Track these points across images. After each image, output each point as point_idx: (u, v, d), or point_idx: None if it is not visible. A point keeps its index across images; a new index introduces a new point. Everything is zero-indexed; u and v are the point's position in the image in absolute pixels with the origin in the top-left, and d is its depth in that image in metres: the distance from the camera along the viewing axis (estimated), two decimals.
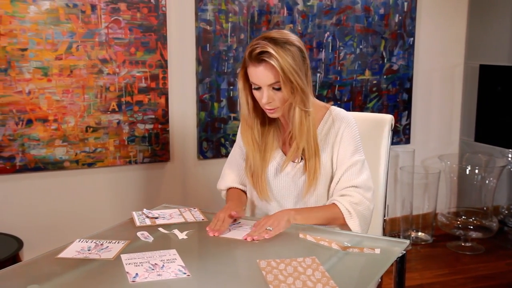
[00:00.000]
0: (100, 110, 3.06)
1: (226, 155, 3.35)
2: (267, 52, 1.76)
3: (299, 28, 3.40)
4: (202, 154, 3.31)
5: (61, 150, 3.01)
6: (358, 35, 3.58)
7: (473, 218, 3.70)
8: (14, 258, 2.62)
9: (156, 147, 3.21)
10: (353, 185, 1.86)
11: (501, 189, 3.84)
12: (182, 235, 1.68)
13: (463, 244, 3.66)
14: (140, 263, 1.47)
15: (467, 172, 3.72)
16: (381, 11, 3.62)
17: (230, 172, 2.13)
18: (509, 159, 3.81)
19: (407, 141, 3.88)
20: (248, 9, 3.28)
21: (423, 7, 3.78)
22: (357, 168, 1.88)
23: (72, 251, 1.57)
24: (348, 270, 1.49)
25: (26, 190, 2.99)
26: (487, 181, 3.67)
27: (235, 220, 1.83)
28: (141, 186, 3.24)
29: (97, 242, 1.63)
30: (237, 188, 2.11)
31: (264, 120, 1.94)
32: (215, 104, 3.29)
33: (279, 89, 1.80)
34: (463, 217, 3.73)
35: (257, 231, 1.72)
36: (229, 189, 2.13)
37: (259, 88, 1.82)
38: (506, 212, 3.85)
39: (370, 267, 1.49)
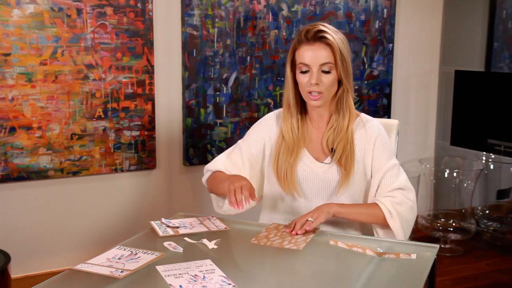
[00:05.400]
0: (85, 117, 2.96)
1: None
2: (324, 31, 1.79)
3: (284, 34, 3.40)
4: (189, 160, 3.26)
5: (46, 159, 2.90)
6: None
7: (452, 220, 3.77)
8: (3, 273, 2.50)
9: (143, 154, 3.14)
10: (396, 187, 1.88)
11: (475, 191, 3.93)
12: (211, 245, 1.64)
13: (442, 246, 3.72)
14: (179, 274, 1.42)
15: (446, 175, 3.80)
16: (362, 17, 3.66)
17: (226, 158, 2.02)
18: (484, 162, 3.92)
19: None
20: (234, 14, 3.25)
21: (401, 13, 3.84)
22: (395, 171, 1.91)
23: (103, 258, 1.51)
24: (389, 276, 1.48)
25: (9, 200, 2.87)
26: (465, 184, 3.75)
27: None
28: (127, 194, 3.15)
29: (133, 251, 1.57)
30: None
31: (300, 115, 1.94)
32: (202, 110, 3.25)
33: (328, 72, 1.81)
34: (442, 219, 3.80)
35: (299, 224, 1.72)
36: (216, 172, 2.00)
37: (306, 72, 1.81)
38: (481, 213, 3.95)
39: (410, 273, 1.49)
